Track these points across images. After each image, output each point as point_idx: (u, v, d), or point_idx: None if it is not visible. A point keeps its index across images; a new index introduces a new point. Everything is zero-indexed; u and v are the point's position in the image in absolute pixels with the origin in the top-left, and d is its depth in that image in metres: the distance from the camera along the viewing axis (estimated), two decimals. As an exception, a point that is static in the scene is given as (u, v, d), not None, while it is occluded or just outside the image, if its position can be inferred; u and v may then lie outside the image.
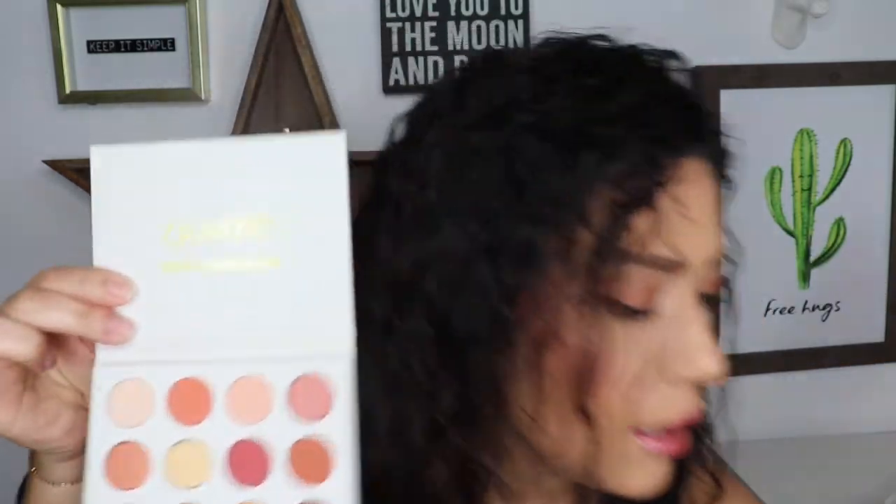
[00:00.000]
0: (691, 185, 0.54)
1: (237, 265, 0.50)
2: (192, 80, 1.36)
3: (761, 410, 1.46)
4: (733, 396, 0.66)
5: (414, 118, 0.63)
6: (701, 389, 0.56)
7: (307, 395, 0.49)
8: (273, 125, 1.38)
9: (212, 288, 0.50)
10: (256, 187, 0.49)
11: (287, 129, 1.37)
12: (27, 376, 0.53)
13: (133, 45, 1.35)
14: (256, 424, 0.49)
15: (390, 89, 1.39)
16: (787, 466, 1.35)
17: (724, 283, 0.61)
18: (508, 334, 0.53)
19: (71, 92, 1.35)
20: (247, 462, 0.49)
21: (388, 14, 1.37)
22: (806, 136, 1.43)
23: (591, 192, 0.52)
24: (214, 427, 0.49)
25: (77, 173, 1.35)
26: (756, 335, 1.45)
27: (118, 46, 1.35)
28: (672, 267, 0.53)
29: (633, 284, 0.53)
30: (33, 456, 0.57)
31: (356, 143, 1.52)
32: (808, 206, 1.44)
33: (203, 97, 1.36)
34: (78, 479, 0.54)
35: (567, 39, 0.64)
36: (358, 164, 1.49)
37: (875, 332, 1.46)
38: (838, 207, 1.45)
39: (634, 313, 0.54)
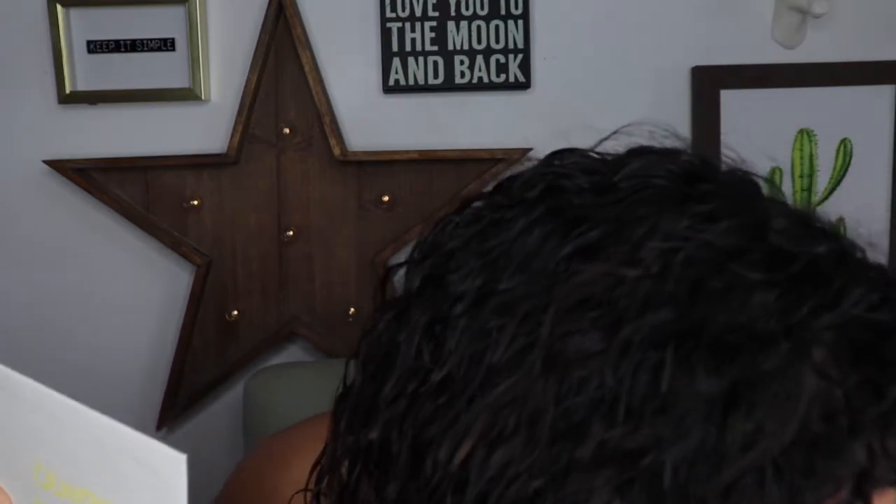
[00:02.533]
0: None
1: None
2: (192, 80, 1.36)
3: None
4: None
5: None
6: None
7: None
8: (273, 124, 1.38)
9: None
10: (108, 473, 0.48)
11: (287, 130, 1.37)
12: None
13: (133, 45, 1.35)
14: None
15: (390, 89, 1.39)
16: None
17: None
18: None
19: (71, 92, 1.35)
20: None
21: (388, 14, 1.37)
22: (806, 135, 1.43)
23: None
24: None
25: (77, 173, 1.35)
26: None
27: (118, 46, 1.35)
28: None
29: None
30: None
31: (356, 143, 1.53)
32: (809, 205, 1.44)
33: (203, 97, 1.36)
34: None
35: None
36: (358, 162, 1.50)
37: (875, 332, 1.47)
38: (838, 207, 1.45)
39: None
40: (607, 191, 0.38)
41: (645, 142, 0.42)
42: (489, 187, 0.43)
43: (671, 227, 0.35)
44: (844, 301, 0.35)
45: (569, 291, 0.34)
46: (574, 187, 0.39)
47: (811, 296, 0.34)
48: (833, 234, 0.39)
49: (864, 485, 0.33)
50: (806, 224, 0.39)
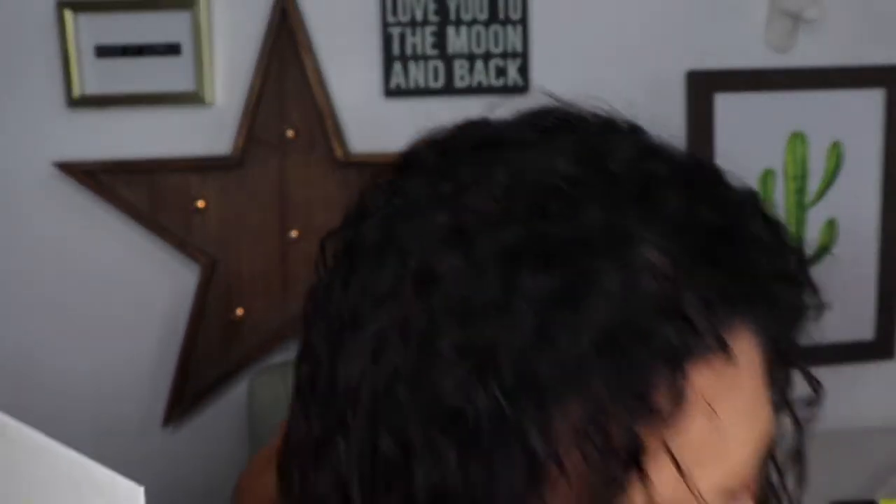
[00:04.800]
0: (702, 405, 0.39)
1: None
2: (198, 84, 1.38)
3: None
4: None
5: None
6: None
7: None
8: (277, 127, 1.40)
9: None
10: None
11: (290, 132, 1.40)
12: None
13: (140, 50, 1.37)
14: None
15: (391, 93, 1.41)
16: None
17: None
18: None
19: (80, 96, 1.37)
20: None
21: (390, 19, 1.40)
22: (798, 138, 1.45)
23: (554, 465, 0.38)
24: None
25: (86, 175, 1.37)
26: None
27: (126, 51, 1.37)
28: None
29: None
30: None
31: (358, 146, 1.56)
32: (801, 207, 1.46)
33: (208, 100, 1.39)
34: None
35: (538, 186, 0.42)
36: (360, 164, 1.52)
37: (865, 331, 1.49)
38: (830, 209, 1.47)
39: None
40: (489, 144, 0.46)
41: None
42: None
43: (522, 164, 0.42)
44: (671, 211, 0.40)
45: (439, 227, 0.41)
46: (462, 139, 0.49)
47: (641, 209, 0.40)
48: (685, 155, 0.45)
49: (681, 361, 0.38)
50: (656, 149, 0.45)
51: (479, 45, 1.41)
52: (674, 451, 0.38)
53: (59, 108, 1.38)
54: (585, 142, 0.44)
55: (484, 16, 1.40)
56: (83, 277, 1.43)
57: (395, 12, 1.40)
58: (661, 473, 0.38)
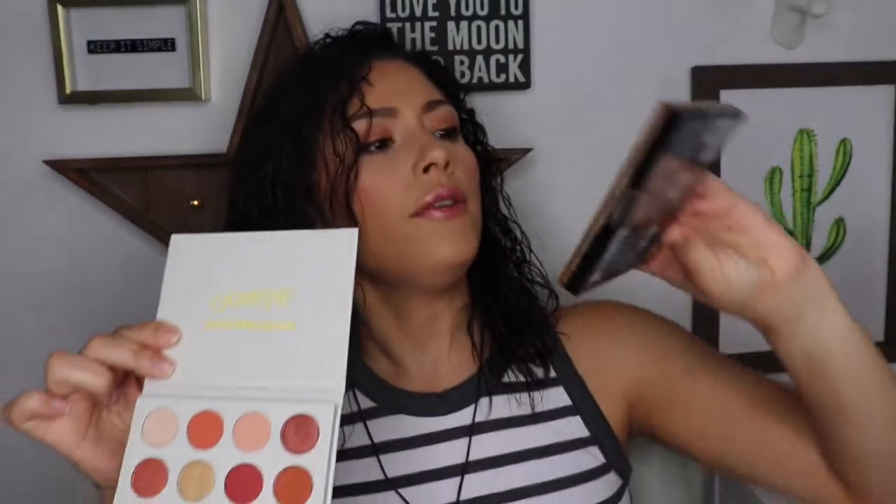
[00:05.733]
0: (381, 73, 0.97)
1: (261, 326, 0.63)
2: (192, 80, 1.36)
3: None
4: None
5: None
6: (442, 175, 0.91)
7: (297, 432, 0.61)
8: (273, 125, 1.38)
9: (239, 342, 0.64)
10: (285, 269, 0.63)
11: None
12: (94, 412, 0.68)
13: (133, 46, 1.35)
14: (254, 452, 0.61)
15: (390, 89, 1.39)
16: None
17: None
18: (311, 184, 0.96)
19: (71, 92, 1.35)
20: (242, 483, 0.61)
21: (389, 14, 1.38)
22: (806, 136, 1.43)
23: (324, 104, 0.96)
24: (221, 452, 0.62)
25: (77, 173, 1.35)
26: (757, 335, 1.44)
27: (118, 47, 1.35)
28: (387, 113, 0.94)
29: (370, 132, 0.92)
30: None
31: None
32: (808, 205, 1.44)
33: (203, 97, 1.36)
34: None
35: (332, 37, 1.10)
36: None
37: (875, 332, 1.47)
38: (838, 207, 1.45)
39: (379, 147, 0.93)
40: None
41: None
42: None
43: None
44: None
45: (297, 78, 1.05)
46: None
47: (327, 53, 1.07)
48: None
49: (366, 57, 1.01)
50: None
51: (479, 40, 1.38)
52: (374, 90, 0.96)
53: (51, 104, 1.36)
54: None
55: (484, 11, 1.38)
56: (75, 277, 1.41)
57: (393, 8, 1.37)
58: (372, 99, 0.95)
